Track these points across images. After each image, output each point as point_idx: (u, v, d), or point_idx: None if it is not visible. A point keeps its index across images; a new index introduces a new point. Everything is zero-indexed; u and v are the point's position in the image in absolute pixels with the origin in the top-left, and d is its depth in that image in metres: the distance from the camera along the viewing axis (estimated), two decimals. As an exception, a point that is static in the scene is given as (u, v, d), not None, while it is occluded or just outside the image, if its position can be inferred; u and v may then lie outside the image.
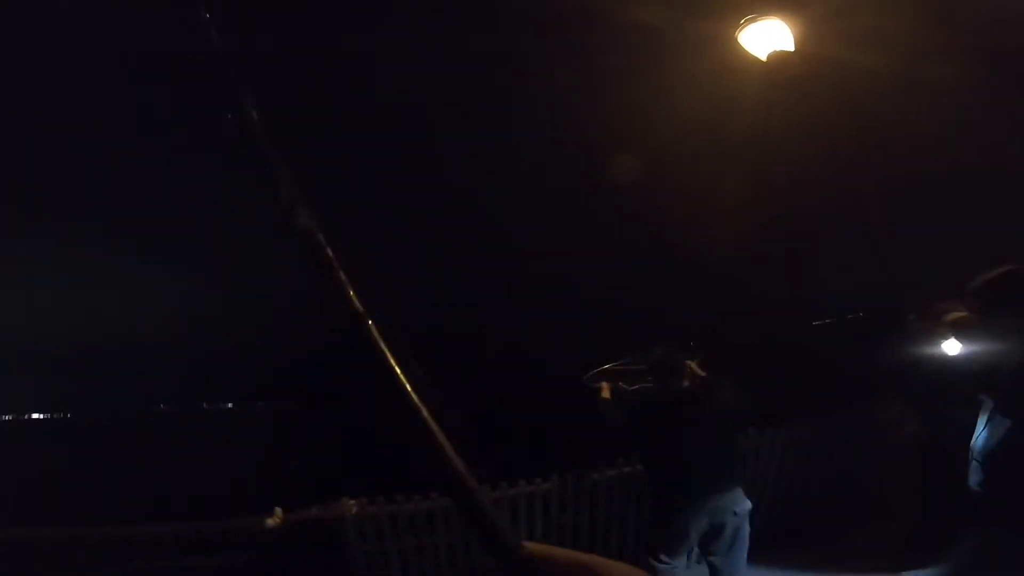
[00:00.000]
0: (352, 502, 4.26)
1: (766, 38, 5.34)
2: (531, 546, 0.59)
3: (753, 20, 5.32)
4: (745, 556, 3.37)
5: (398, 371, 0.62)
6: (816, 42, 5.11)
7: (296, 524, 4.23)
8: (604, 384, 3.75)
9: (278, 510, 4.27)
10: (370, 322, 0.63)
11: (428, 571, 4.36)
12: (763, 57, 5.36)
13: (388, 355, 0.63)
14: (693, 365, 3.48)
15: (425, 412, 0.63)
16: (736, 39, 5.45)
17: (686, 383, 3.42)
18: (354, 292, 0.63)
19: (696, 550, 3.33)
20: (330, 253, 0.64)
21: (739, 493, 3.32)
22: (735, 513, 3.28)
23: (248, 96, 0.75)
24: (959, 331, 3.19)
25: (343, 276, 0.64)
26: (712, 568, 3.41)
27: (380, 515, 4.22)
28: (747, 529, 3.33)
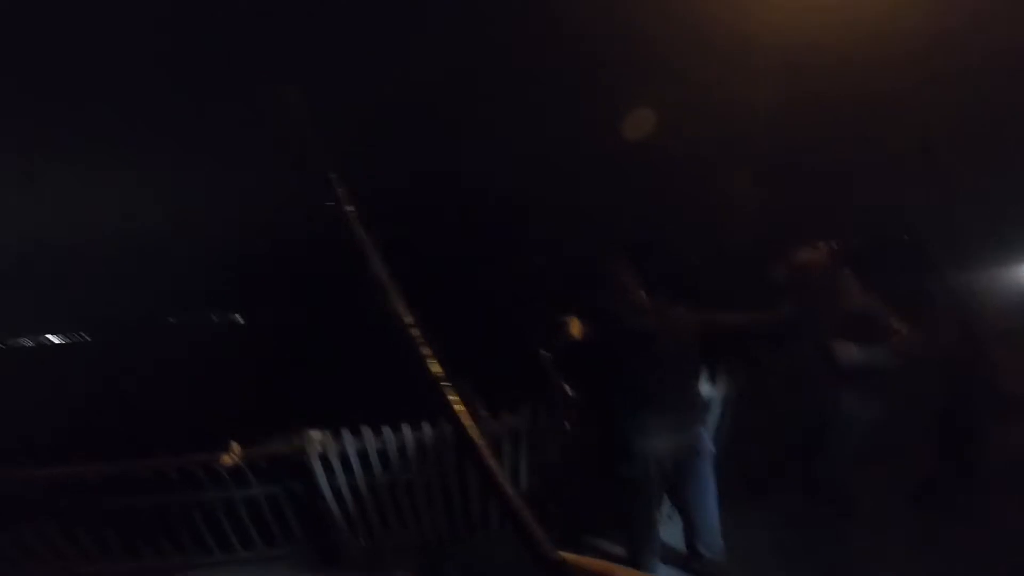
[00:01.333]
0: (318, 435, 3.89)
1: None
2: (564, 554, 0.75)
3: None
4: (715, 501, 3.14)
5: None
6: None
7: (255, 460, 3.88)
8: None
9: (235, 445, 3.90)
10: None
11: (404, 507, 4.08)
12: None
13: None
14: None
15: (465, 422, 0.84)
16: None
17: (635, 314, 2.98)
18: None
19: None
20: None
21: (699, 430, 3.07)
22: (697, 452, 3.05)
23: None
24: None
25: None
26: (685, 517, 3.19)
27: (347, 451, 3.87)
28: (710, 470, 3.09)
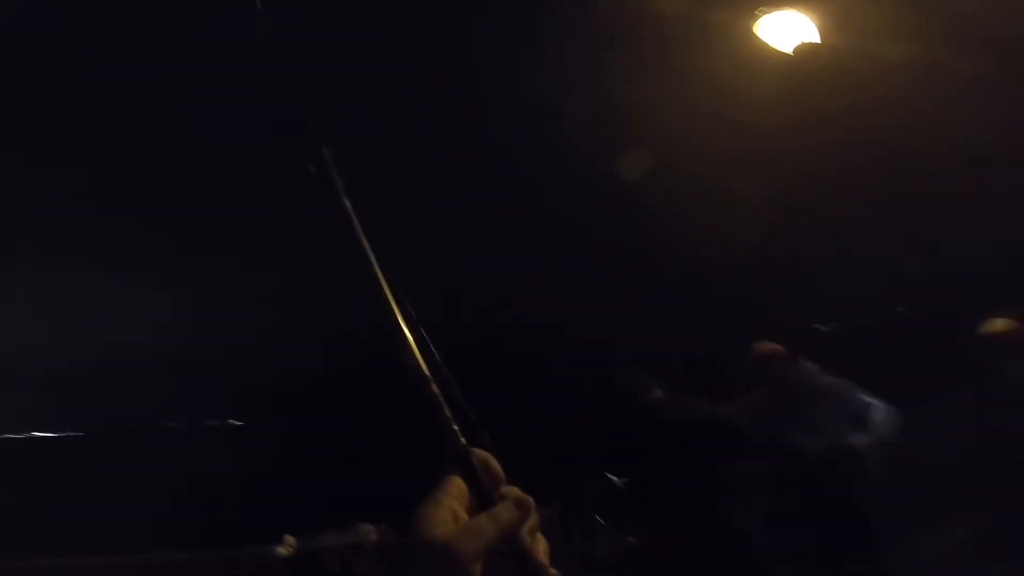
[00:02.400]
0: (370, 528, 4.02)
1: (786, 30, 5.22)
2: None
3: (769, 11, 5.18)
4: None
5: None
6: (841, 34, 4.96)
7: (309, 554, 4.00)
8: None
9: (289, 538, 4.03)
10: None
11: None
12: (788, 50, 5.19)
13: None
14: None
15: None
16: (753, 32, 5.32)
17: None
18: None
19: None
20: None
21: None
22: None
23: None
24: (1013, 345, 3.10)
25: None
26: None
27: (400, 543, 3.97)
28: None
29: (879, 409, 3.30)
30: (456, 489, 0.57)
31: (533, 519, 0.59)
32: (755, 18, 5.10)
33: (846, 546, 3.42)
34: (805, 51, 4.77)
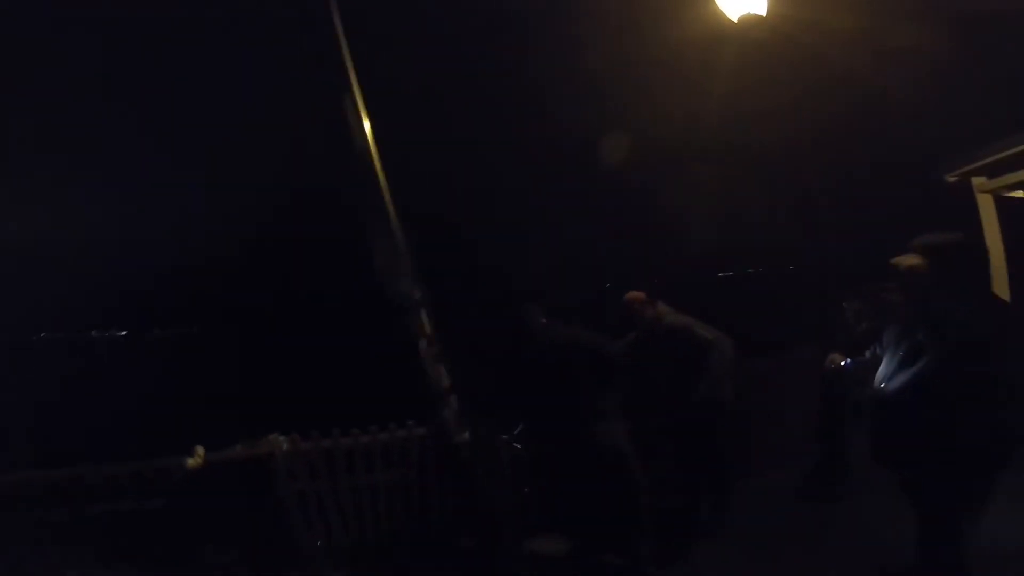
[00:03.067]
0: (282, 438, 4.00)
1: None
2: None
3: None
4: None
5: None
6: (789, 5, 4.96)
7: (219, 464, 3.94)
8: None
9: (199, 449, 3.95)
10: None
11: (365, 513, 4.14)
12: (734, 19, 5.18)
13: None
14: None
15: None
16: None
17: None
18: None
19: None
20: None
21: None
22: None
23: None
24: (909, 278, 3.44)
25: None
26: None
27: (313, 452, 3.99)
28: None
29: (721, 341, 3.95)
30: None
31: None
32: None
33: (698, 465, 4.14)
34: (750, 21, 4.80)
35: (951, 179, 8.77)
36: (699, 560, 3.78)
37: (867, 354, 3.42)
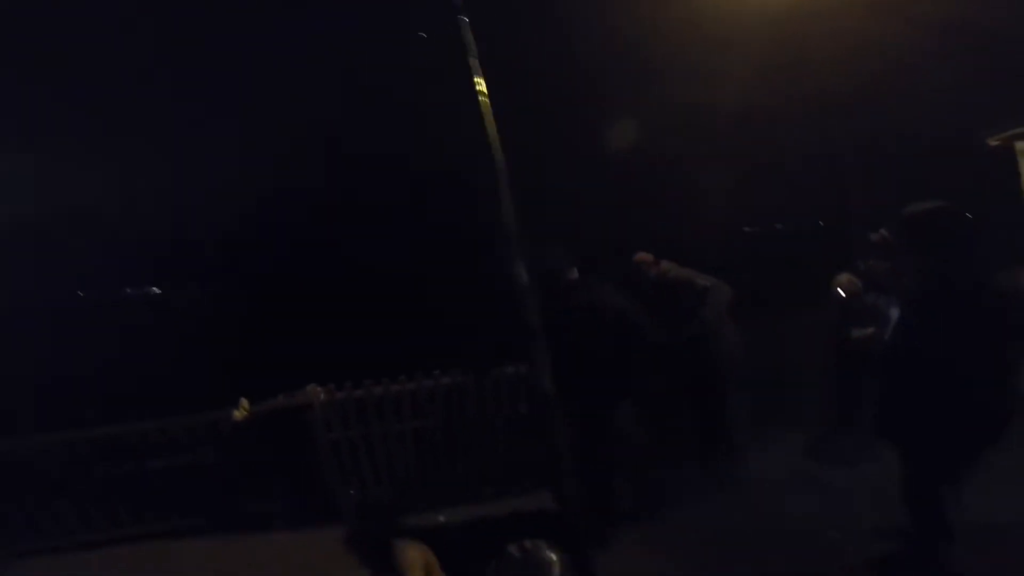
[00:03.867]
0: (318, 388, 4.28)
1: None
2: None
3: None
4: None
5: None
6: None
7: (262, 415, 4.25)
8: None
9: (244, 401, 4.27)
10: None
11: (397, 459, 4.43)
12: None
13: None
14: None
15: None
16: None
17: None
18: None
19: None
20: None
21: None
22: None
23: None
24: (881, 251, 3.60)
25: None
26: None
27: (347, 401, 4.28)
28: None
29: (718, 286, 4.11)
30: None
31: None
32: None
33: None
34: None
35: (993, 143, 8.82)
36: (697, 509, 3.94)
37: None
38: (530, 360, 2.72)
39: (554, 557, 2.79)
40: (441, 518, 4.21)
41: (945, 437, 2.65)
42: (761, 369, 4.51)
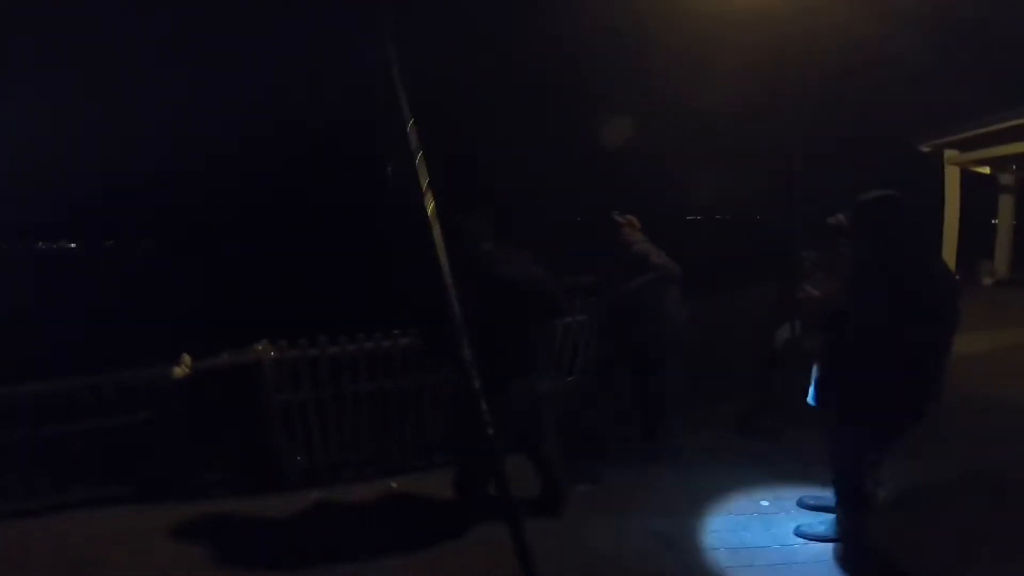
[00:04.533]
0: (269, 346, 4.06)
1: None
2: None
3: None
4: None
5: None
6: None
7: (206, 373, 3.99)
8: None
9: (186, 357, 3.98)
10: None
11: (347, 423, 4.28)
12: None
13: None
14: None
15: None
16: None
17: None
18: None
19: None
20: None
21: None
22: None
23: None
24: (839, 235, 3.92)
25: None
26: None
27: (299, 360, 4.08)
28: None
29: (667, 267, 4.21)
30: None
31: None
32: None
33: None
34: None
35: (926, 150, 9.64)
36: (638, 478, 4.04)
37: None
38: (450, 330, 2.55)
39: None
40: (393, 484, 4.13)
41: (878, 410, 2.82)
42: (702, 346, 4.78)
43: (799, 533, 3.23)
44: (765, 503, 3.62)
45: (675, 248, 4.45)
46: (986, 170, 10.67)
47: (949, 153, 9.41)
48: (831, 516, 3.21)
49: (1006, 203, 11.64)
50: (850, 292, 2.91)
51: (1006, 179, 11.52)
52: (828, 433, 3.09)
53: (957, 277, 6.55)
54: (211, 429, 4.13)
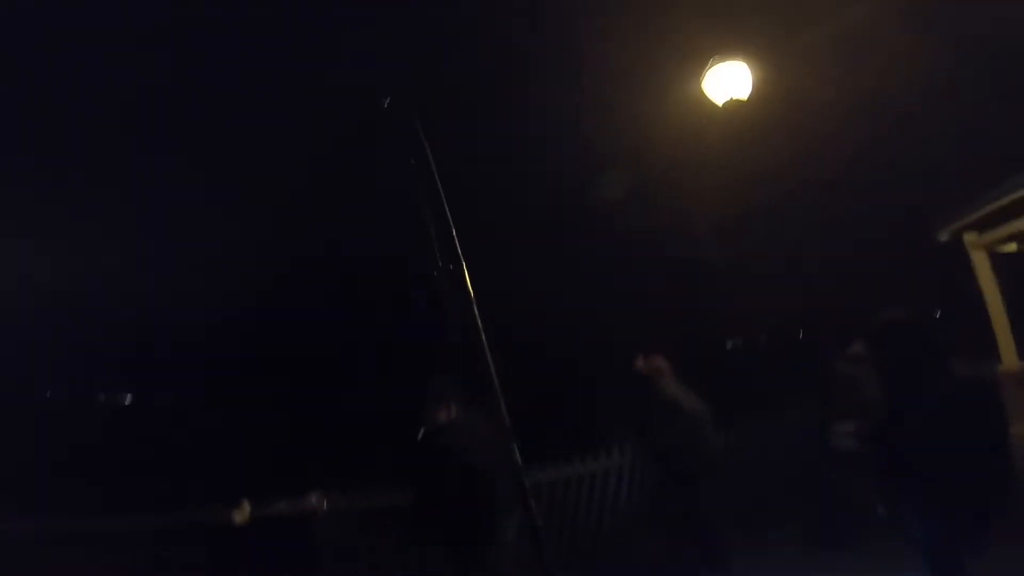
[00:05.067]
0: (322, 496, 4.24)
1: (727, 82, 5.65)
2: None
3: (717, 62, 5.66)
4: None
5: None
6: (776, 85, 5.54)
7: (263, 518, 4.16)
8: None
9: (245, 503, 4.19)
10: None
11: (396, 569, 4.36)
12: (719, 103, 5.65)
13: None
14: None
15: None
16: (700, 84, 5.77)
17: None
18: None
19: None
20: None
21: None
22: None
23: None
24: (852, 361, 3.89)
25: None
26: None
27: (351, 509, 4.23)
28: None
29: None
30: None
31: None
32: (705, 68, 5.61)
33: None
34: (734, 106, 5.30)
35: (944, 238, 8.46)
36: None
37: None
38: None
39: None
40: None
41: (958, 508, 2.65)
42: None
43: None
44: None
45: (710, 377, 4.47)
46: (1012, 248, 8.72)
47: (968, 237, 7.61)
48: None
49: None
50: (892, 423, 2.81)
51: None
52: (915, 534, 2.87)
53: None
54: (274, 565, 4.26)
